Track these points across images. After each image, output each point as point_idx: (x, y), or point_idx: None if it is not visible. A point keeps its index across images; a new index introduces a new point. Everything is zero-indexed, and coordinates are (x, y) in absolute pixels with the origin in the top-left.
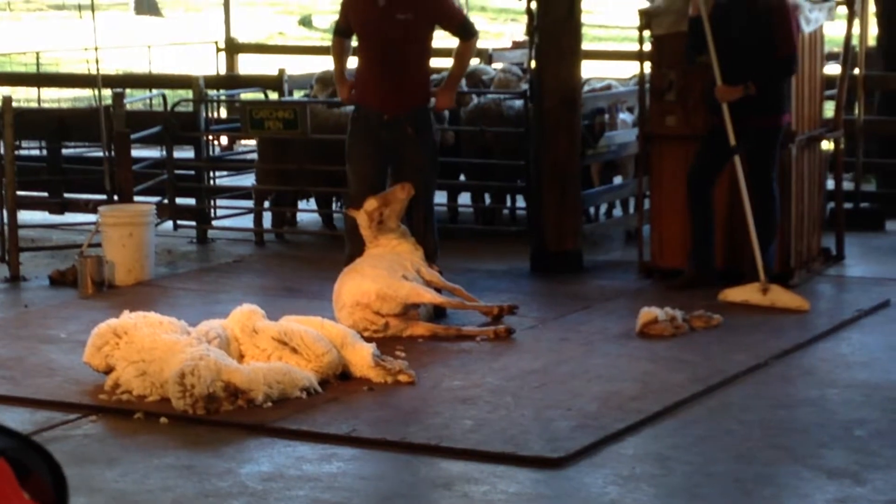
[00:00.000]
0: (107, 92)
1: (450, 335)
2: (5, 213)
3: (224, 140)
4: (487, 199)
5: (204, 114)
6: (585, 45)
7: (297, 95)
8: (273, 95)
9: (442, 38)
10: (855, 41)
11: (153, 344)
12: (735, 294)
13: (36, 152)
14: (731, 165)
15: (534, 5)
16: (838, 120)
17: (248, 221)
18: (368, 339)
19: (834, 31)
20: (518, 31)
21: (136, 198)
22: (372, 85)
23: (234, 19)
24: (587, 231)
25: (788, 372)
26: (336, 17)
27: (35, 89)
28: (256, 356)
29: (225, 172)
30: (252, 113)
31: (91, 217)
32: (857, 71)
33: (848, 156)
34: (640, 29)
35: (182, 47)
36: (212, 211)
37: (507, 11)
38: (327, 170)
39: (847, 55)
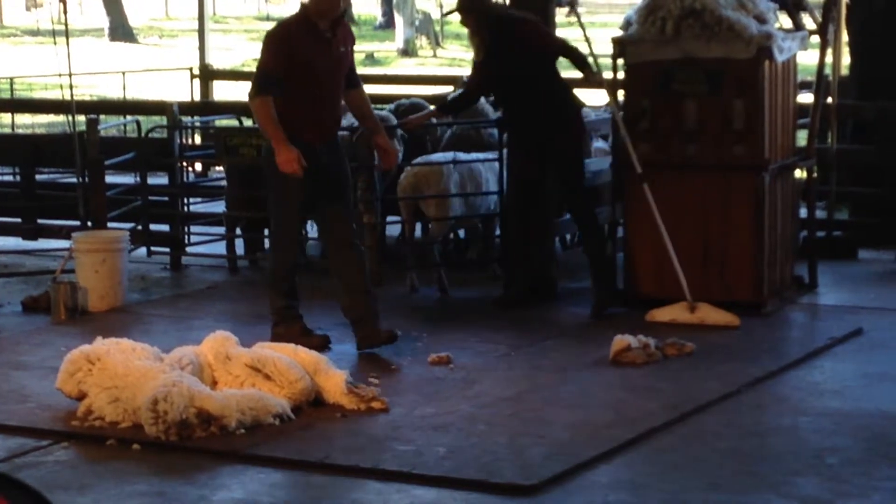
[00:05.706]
0: (81, 118)
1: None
2: None
3: (198, 166)
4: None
5: (178, 140)
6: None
7: None
8: (248, 122)
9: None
10: (828, 70)
11: (126, 370)
12: (662, 314)
13: (10, 178)
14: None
15: None
16: (811, 148)
17: (221, 248)
18: None
19: (807, 59)
20: None
21: (110, 224)
22: (311, 121)
23: (208, 46)
24: (561, 258)
25: (761, 400)
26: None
27: (9, 115)
28: (229, 383)
29: (199, 199)
30: (227, 140)
31: (64, 243)
32: (829, 100)
33: (821, 184)
34: (615, 57)
35: (157, 74)
36: (185, 237)
37: None
38: None
39: (820, 84)
